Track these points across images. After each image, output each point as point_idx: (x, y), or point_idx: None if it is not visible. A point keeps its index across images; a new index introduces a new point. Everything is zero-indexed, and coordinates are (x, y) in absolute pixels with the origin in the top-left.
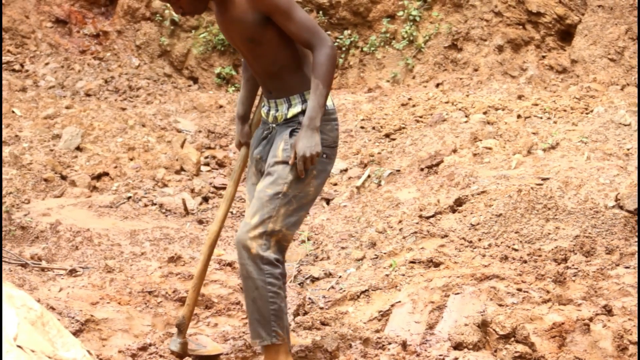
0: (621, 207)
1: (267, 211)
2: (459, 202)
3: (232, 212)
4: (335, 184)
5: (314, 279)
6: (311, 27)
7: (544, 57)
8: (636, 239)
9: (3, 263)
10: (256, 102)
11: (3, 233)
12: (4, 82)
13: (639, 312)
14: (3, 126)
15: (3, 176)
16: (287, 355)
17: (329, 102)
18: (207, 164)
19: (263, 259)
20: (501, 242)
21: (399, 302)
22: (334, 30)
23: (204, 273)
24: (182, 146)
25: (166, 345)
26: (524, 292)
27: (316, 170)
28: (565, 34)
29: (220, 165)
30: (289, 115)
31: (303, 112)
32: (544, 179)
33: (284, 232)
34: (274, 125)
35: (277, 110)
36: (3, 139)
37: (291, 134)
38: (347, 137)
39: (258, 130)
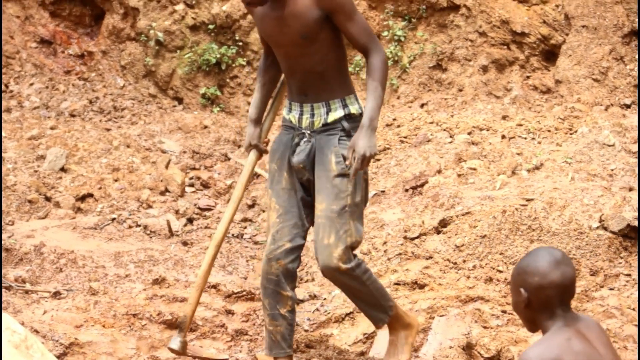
0: (605, 228)
1: (341, 227)
2: (444, 223)
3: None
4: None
5: (299, 301)
6: (370, 31)
7: (528, 77)
8: (620, 260)
9: None
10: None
11: None
12: None
13: (639, 321)
14: None
15: None
16: (405, 313)
17: (359, 108)
18: (191, 185)
19: (353, 268)
20: (486, 264)
21: None
22: None
23: (208, 273)
24: (166, 167)
25: (165, 345)
26: (509, 314)
27: (366, 174)
28: (550, 54)
29: (205, 186)
30: (329, 120)
31: (344, 117)
32: (528, 200)
33: (358, 240)
34: (308, 131)
35: (312, 115)
36: None
37: (340, 144)
38: None
39: (283, 135)
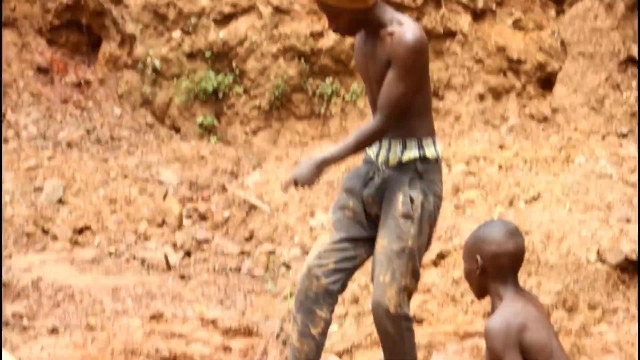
0: (603, 261)
1: (398, 268)
2: (441, 255)
3: None
4: (318, 237)
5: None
6: (394, 103)
7: (525, 105)
8: (619, 294)
9: None
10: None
11: None
12: None
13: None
14: None
15: None
16: None
17: (442, 152)
18: (189, 217)
19: (401, 316)
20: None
21: None
22: (315, 78)
23: None
24: (164, 199)
25: None
26: None
27: (431, 220)
28: (546, 82)
29: (203, 218)
30: (404, 159)
31: (419, 159)
32: (526, 232)
33: (414, 284)
34: (383, 167)
35: (389, 151)
36: None
37: (410, 185)
38: (329, 189)
39: (361, 167)
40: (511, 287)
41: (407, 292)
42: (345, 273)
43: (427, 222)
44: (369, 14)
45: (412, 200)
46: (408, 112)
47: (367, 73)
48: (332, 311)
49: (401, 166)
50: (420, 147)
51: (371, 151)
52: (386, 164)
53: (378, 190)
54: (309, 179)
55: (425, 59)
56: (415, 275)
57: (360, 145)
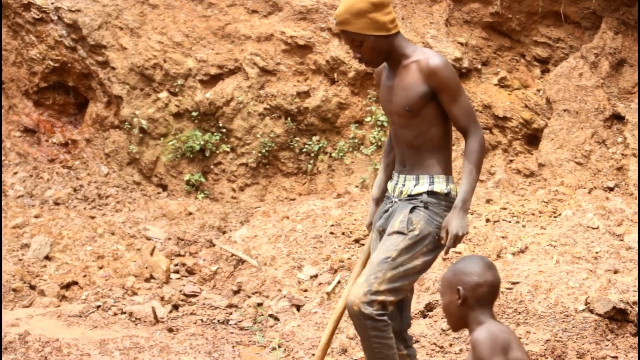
0: (591, 311)
1: (374, 272)
2: (430, 307)
3: None
4: (306, 290)
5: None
6: (471, 113)
7: (511, 160)
8: (607, 343)
9: None
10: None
11: None
12: None
13: None
14: None
15: None
16: None
17: (454, 190)
18: (176, 272)
19: (365, 316)
20: None
21: None
22: (302, 136)
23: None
24: (151, 254)
25: None
26: None
27: (426, 248)
28: (532, 138)
29: (190, 272)
30: (414, 192)
31: (427, 192)
32: (513, 283)
33: (386, 294)
34: (397, 199)
35: (403, 185)
36: None
37: (412, 210)
38: (317, 243)
39: (382, 205)
40: (491, 314)
41: (379, 298)
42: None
43: (423, 246)
44: (392, 43)
45: (410, 221)
46: (422, 147)
47: (389, 105)
48: (408, 345)
49: (410, 197)
50: (432, 183)
51: (390, 185)
52: (399, 197)
53: (387, 219)
54: (467, 227)
55: (457, 75)
56: (391, 287)
57: (481, 162)
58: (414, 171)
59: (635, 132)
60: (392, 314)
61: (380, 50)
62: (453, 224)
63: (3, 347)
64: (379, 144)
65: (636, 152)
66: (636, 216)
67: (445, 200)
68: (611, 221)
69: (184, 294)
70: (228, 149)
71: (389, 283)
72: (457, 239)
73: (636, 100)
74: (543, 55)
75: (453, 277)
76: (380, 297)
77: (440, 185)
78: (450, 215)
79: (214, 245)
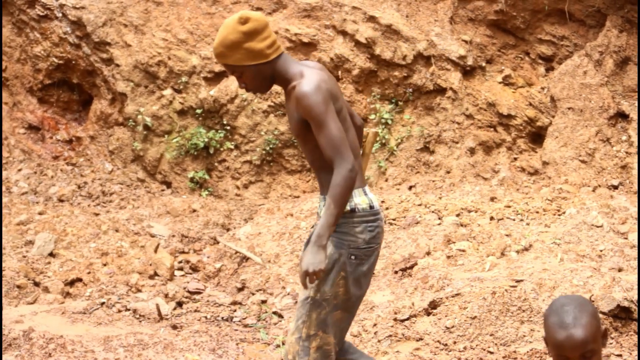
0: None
1: (300, 316)
2: (434, 304)
3: None
4: None
5: None
6: (337, 144)
7: (515, 159)
8: (611, 341)
9: None
10: None
11: None
12: None
13: None
14: None
15: None
16: None
17: (365, 203)
18: (180, 269)
19: None
20: (476, 345)
21: None
22: None
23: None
24: (155, 251)
25: None
26: None
27: (345, 272)
28: (536, 136)
29: (194, 269)
30: (321, 214)
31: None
32: (517, 281)
33: (321, 335)
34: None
35: (321, 208)
36: None
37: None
38: None
39: None
40: None
41: (315, 343)
42: None
43: (339, 270)
44: (274, 68)
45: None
46: (321, 169)
47: (291, 130)
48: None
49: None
50: None
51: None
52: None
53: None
54: (320, 263)
55: (325, 102)
56: (322, 326)
57: (341, 200)
58: (323, 192)
59: None
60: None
61: (262, 77)
62: (304, 259)
63: (7, 343)
64: (383, 141)
65: None
66: None
67: (353, 217)
68: (615, 219)
69: (188, 291)
70: (232, 147)
71: (318, 323)
72: (309, 275)
73: None
74: (547, 53)
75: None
76: (315, 342)
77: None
78: (304, 250)
79: (218, 243)
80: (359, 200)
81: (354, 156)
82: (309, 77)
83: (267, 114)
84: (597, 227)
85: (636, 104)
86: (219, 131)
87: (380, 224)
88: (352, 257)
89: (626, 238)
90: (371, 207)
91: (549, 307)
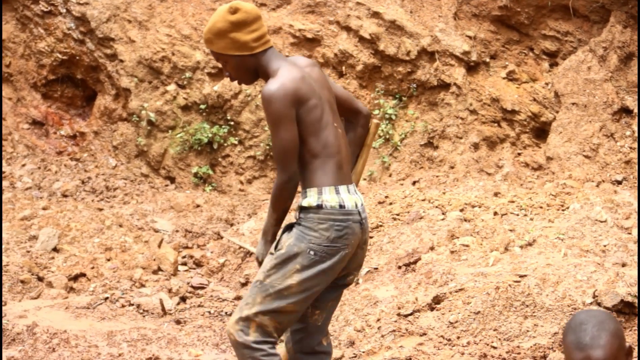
0: (599, 304)
1: (246, 298)
2: (437, 299)
3: None
4: None
5: None
6: (281, 155)
7: (519, 154)
8: None
9: None
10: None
11: None
12: None
13: None
14: None
15: None
16: None
17: (334, 202)
18: (184, 264)
19: (239, 344)
20: (480, 340)
21: None
22: None
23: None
24: (159, 246)
25: None
26: None
27: (300, 265)
28: (540, 132)
29: (198, 264)
30: (296, 208)
31: (299, 208)
32: (521, 276)
33: (260, 317)
34: None
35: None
36: None
37: (287, 229)
38: None
39: None
40: None
41: (254, 323)
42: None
43: (295, 263)
44: (258, 62)
45: (279, 241)
46: (299, 164)
47: None
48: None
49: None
50: (304, 197)
51: None
52: None
53: None
54: (264, 253)
55: (285, 105)
56: (263, 309)
57: (276, 205)
58: (302, 186)
59: None
60: (297, 338)
61: (245, 69)
62: (257, 248)
63: (11, 338)
64: (387, 137)
65: None
66: None
67: (319, 213)
68: (619, 214)
69: (192, 286)
70: (236, 142)
71: (261, 306)
72: (257, 262)
73: None
74: (551, 49)
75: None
76: (254, 322)
77: (309, 199)
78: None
79: (221, 238)
80: (328, 197)
81: (337, 151)
82: (276, 79)
83: None
84: (601, 222)
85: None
86: (223, 126)
87: (350, 225)
88: (311, 252)
89: (630, 233)
90: (341, 206)
91: (567, 324)
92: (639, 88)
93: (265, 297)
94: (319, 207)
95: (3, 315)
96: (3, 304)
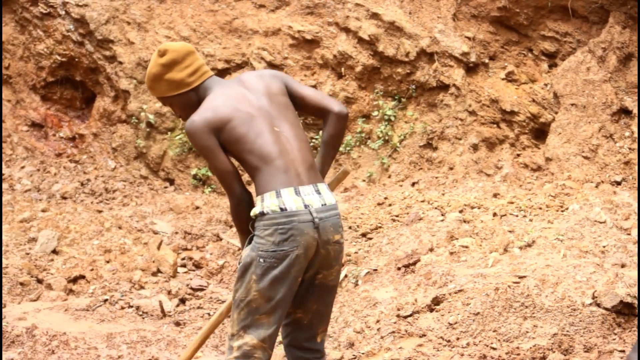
0: (598, 305)
1: (231, 316)
2: (437, 301)
3: None
4: None
5: None
6: (220, 180)
7: (518, 155)
8: (614, 337)
9: None
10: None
11: None
12: None
13: None
14: None
15: None
16: None
17: (273, 206)
18: (183, 266)
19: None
20: (479, 341)
21: None
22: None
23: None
24: (158, 248)
25: None
26: None
27: (255, 274)
28: (540, 132)
29: (197, 266)
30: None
31: (255, 215)
32: (520, 277)
33: (241, 335)
34: None
35: None
36: None
37: (248, 242)
38: None
39: None
40: None
41: (236, 342)
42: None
43: (251, 273)
44: (199, 94)
45: (241, 255)
46: (250, 177)
47: None
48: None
49: None
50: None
51: None
52: None
53: None
54: (244, 257)
55: (205, 139)
56: (242, 326)
57: (238, 227)
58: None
59: None
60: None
61: (190, 104)
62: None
63: (11, 340)
64: (386, 138)
65: None
66: None
67: (263, 220)
68: (618, 215)
69: (191, 288)
70: None
71: (239, 323)
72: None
73: None
74: (550, 50)
75: None
76: (236, 342)
77: (255, 208)
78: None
79: (220, 239)
80: (268, 202)
81: (278, 155)
82: (194, 114)
83: None
84: (600, 223)
85: (638, 100)
86: None
87: (296, 226)
88: (261, 259)
89: (629, 234)
90: (282, 209)
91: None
92: (639, 89)
93: (239, 313)
94: (262, 214)
95: (3, 317)
96: (2, 306)
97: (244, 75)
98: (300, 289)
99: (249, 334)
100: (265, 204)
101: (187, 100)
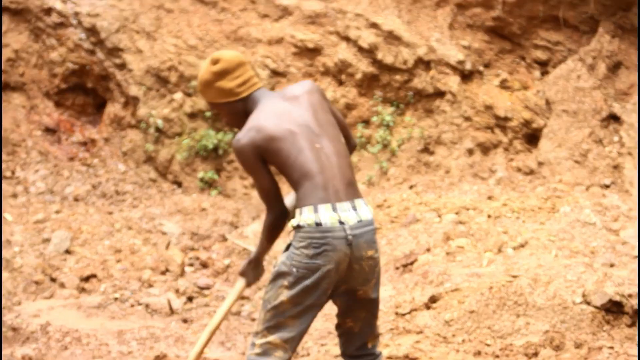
0: (588, 303)
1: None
2: (433, 299)
3: None
4: None
5: None
6: (264, 197)
7: (512, 159)
8: (603, 334)
9: None
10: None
11: None
12: None
13: None
14: None
15: None
16: None
17: (310, 220)
18: (191, 265)
19: (248, 356)
20: (474, 338)
21: None
22: None
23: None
24: (167, 248)
25: None
26: None
27: (287, 282)
28: (532, 137)
29: (204, 265)
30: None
31: (293, 226)
32: (514, 277)
33: (265, 334)
34: None
35: None
36: None
37: (285, 249)
38: None
39: None
40: None
41: (260, 340)
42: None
43: (283, 280)
44: (246, 105)
45: (277, 259)
46: (292, 189)
47: None
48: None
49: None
50: (299, 215)
51: None
52: None
53: None
54: (256, 278)
55: (249, 158)
56: (267, 325)
57: (269, 238)
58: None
59: (631, 132)
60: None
61: (236, 113)
62: (245, 275)
63: (25, 337)
64: (385, 142)
65: (631, 150)
66: (632, 212)
67: (300, 232)
68: (607, 217)
69: (198, 286)
70: None
71: (264, 323)
72: (247, 286)
73: (632, 101)
74: (543, 58)
75: None
76: (259, 340)
77: (295, 219)
78: (246, 265)
79: (226, 240)
80: (306, 216)
81: (319, 171)
82: (241, 131)
83: None
84: (590, 224)
85: (627, 106)
86: (228, 133)
87: (330, 242)
88: (294, 269)
89: (618, 235)
90: (318, 224)
91: None
92: (639, 92)
93: (266, 313)
94: (299, 226)
95: (18, 315)
96: (17, 303)
97: (289, 90)
98: (345, 301)
99: (273, 334)
100: (303, 217)
101: (234, 108)
